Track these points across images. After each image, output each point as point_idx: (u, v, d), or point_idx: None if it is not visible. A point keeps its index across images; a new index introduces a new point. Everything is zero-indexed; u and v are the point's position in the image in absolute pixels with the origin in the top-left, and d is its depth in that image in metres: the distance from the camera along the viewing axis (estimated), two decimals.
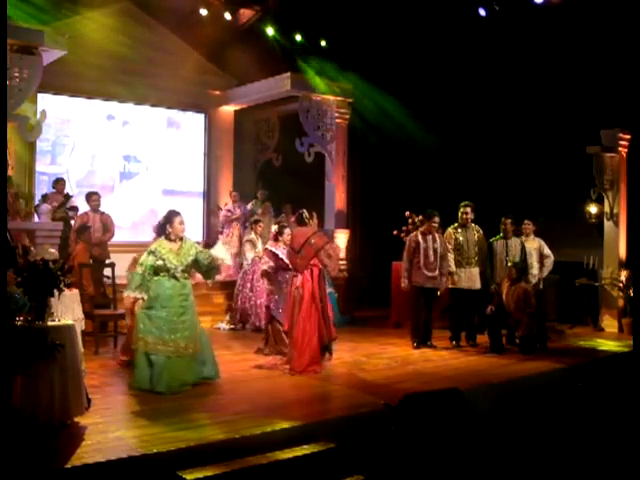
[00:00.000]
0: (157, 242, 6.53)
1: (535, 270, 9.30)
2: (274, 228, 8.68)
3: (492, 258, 9.01)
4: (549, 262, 9.47)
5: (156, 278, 6.35)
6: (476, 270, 8.92)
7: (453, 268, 8.88)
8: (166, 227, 6.49)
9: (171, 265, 6.36)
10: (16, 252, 5.33)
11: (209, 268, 6.59)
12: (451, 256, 8.88)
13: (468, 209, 8.98)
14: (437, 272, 8.70)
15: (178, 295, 6.39)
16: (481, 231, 9.05)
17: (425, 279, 8.69)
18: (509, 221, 9.05)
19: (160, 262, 6.34)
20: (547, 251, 9.48)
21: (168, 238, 6.48)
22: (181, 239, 6.51)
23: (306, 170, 12.12)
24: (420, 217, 9.65)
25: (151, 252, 6.39)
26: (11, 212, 8.23)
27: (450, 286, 8.96)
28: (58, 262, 5.23)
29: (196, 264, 6.54)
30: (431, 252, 8.68)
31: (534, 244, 9.45)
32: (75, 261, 8.53)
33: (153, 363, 6.17)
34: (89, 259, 9.11)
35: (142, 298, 6.29)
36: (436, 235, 8.81)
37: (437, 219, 8.75)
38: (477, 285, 8.90)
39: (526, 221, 9.57)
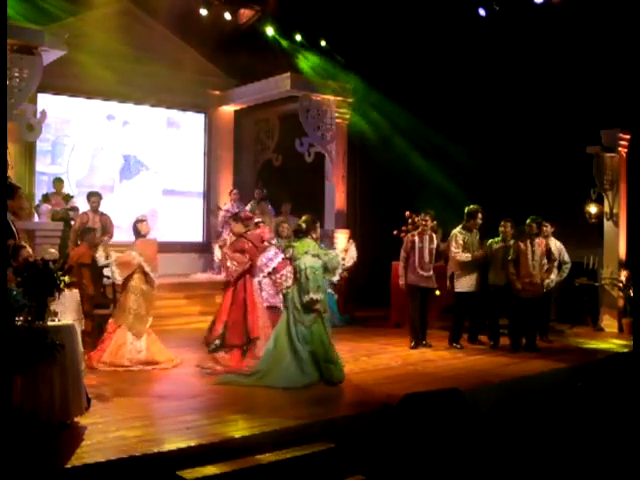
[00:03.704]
0: (304, 243, 6.84)
1: (553, 275, 9.21)
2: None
3: (491, 260, 8.96)
4: (567, 268, 9.49)
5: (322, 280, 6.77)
6: (476, 273, 8.93)
7: (469, 256, 8.83)
8: (310, 231, 6.91)
9: (330, 264, 6.75)
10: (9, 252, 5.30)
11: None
12: (462, 254, 8.84)
13: (480, 215, 8.98)
14: (432, 272, 8.77)
15: None
16: (479, 234, 9.09)
17: (419, 278, 8.72)
18: (508, 224, 9.01)
19: (322, 263, 6.71)
20: (567, 257, 9.49)
21: (312, 240, 6.89)
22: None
23: (306, 170, 12.11)
24: (418, 218, 9.64)
25: (315, 255, 6.75)
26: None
27: (457, 290, 8.98)
28: (58, 262, 5.23)
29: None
30: (427, 252, 8.72)
31: (554, 247, 9.40)
32: (77, 261, 8.49)
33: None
34: (91, 257, 9.03)
35: (319, 299, 6.61)
36: (433, 236, 8.86)
37: (429, 219, 8.81)
38: (478, 287, 8.92)
39: (544, 222, 9.43)
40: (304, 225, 6.98)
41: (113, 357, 7.16)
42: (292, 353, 6.58)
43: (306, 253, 6.75)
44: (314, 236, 6.95)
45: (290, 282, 7.71)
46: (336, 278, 7.12)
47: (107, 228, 9.86)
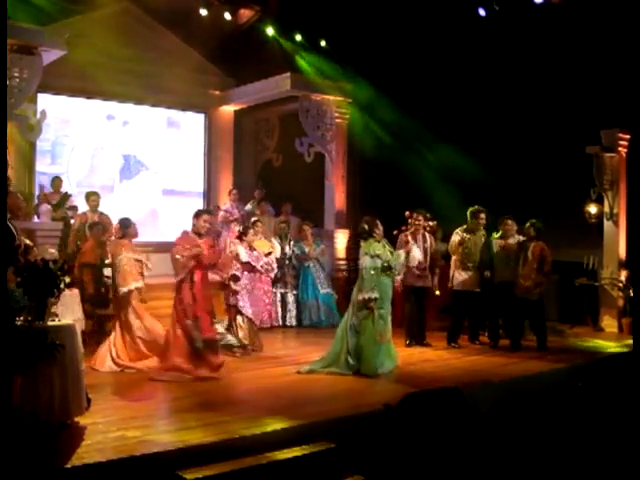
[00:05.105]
0: (367, 244, 7.21)
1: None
2: (237, 228, 8.95)
3: (492, 257, 8.98)
4: None
5: (382, 278, 7.12)
6: (478, 273, 8.93)
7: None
8: (373, 231, 7.22)
9: (393, 264, 7.16)
10: (18, 251, 5.31)
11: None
12: (454, 257, 8.85)
13: (483, 215, 9.00)
14: (427, 271, 8.79)
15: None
16: (486, 234, 9.08)
17: (415, 278, 8.73)
18: (509, 221, 9.02)
19: (382, 262, 7.11)
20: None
21: (376, 240, 7.20)
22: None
23: (306, 170, 12.11)
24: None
25: (374, 255, 7.12)
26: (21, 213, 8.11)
27: (455, 289, 8.98)
28: (58, 262, 5.22)
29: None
30: (421, 252, 8.73)
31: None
32: (83, 259, 8.44)
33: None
34: (97, 258, 8.95)
35: (376, 298, 7.02)
36: (426, 235, 8.86)
37: (421, 218, 8.82)
38: (478, 287, 8.92)
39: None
40: (366, 226, 7.29)
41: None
42: (343, 343, 7.14)
43: (366, 254, 7.12)
44: (376, 236, 7.25)
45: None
46: (399, 277, 7.40)
47: (106, 228, 9.85)
